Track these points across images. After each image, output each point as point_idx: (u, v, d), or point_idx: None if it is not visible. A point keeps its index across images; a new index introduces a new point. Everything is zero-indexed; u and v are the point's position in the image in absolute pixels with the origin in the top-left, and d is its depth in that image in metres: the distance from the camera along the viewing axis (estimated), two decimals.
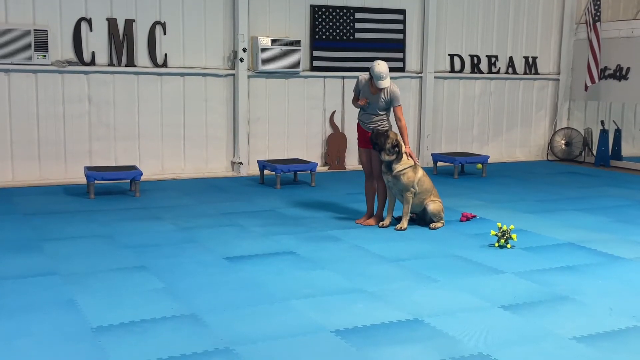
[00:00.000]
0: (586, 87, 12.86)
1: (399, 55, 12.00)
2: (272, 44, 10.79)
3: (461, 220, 7.91)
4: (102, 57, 10.01)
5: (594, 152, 13.08)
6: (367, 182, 7.83)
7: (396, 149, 7.33)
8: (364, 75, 7.52)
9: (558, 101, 13.70)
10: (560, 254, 6.58)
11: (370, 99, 7.47)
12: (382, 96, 7.41)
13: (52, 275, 5.65)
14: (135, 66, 10.19)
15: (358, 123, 7.71)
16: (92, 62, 9.92)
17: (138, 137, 10.38)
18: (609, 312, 5.01)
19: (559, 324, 4.76)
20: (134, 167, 9.39)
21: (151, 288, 5.39)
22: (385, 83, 7.25)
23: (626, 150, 13.31)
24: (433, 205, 7.56)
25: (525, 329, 4.67)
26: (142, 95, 10.34)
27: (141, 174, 9.17)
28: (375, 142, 7.38)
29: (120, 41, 10.05)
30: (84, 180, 9.51)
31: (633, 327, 4.72)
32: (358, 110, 7.76)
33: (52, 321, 4.66)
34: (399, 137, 7.41)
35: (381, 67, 7.22)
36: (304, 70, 11.29)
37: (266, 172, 10.46)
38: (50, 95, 9.76)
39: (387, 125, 7.51)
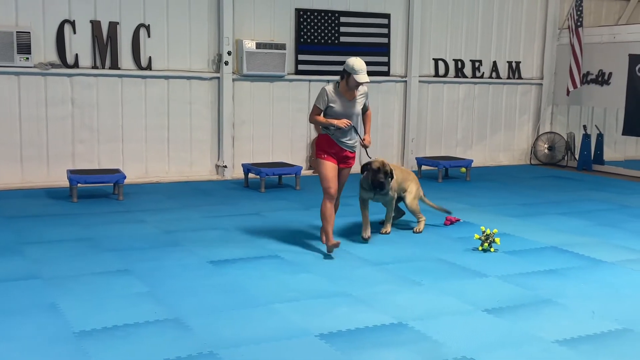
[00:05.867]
0: (568, 92, 12.97)
1: (384, 59, 12.04)
2: (257, 47, 10.79)
3: (445, 224, 7.94)
4: (85, 60, 9.95)
5: (577, 157, 13.19)
6: (329, 203, 6.57)
7: (389, 178, 7.04)
8: (330, 86, 6.53)
9: (541, 105, 13.80)
10: (543, 257, 6.63)
11: (347, 107, 6.51)
12: (360, 97, 6.56)
13: (34, 279, 5.60)
14: (119, 69, 10.14)
15: (323, 136, 6.61)
16: (76, 65, 9.86)
17: (122, 140, 10.32)
18: (592, 315, 5.05)
19: (542, 327, 4.79)
20: (117, 171, 9.33)
21: (134, 292, 5.36)
22: (366, 76, 6.34)
23: (608, 154, 13.45)
24: (410, 197, 7.50)
25: (508, 332, 4.70)
26: (126, 98, 10.29)
27: (124, 177, 9.12)
28: (379, 183, 6.89)
29: (104, 44, 9.99)
30: (66, 184, 9.45)
31: (615, 330, 4.76)
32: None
33: (34, 325, 4.62)
34: (388, 166, 7.02)
35: (357, 60, 6.33)
36: (288, 74, 11.29)
37: (251, 175, 10.44)
38: (33, 98, 9.69)
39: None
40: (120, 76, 10.20)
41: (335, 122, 6.43)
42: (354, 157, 6.75)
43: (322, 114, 6.54)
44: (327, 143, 6.58)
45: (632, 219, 8.45)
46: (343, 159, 6.65)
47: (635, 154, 14.56)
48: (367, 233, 7.09)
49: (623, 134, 12.41)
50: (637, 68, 11.82)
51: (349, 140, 6.59)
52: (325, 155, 6.58)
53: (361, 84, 6.40)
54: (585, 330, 4.74)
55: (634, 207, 9.24)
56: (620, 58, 12.18)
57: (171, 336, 4.50)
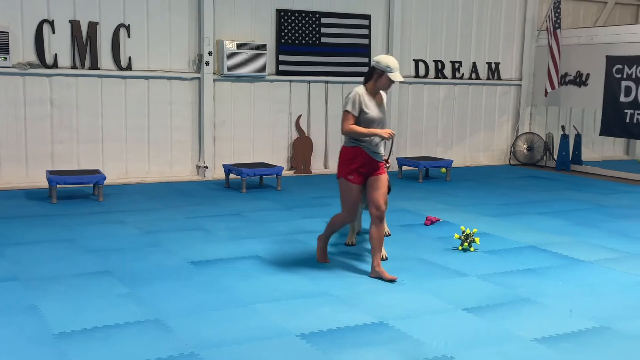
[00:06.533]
0: (546, 93, 13.10)
1: (364, 60, 12.08)
2: (237, 48, 10.77)
3: (425, 224, 7.98)
4: (64, 60, 9.88)
5: (555, 157, 13.32)
6: (346, 220, 6.18)
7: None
8: (360, 89, 5.74)
9: (520, 106, 13.92)
10: (522, 256, 6.69)
11: (381, 112, 5.80)
12: (385, 101, 5.92)
13: (13, 281, 5.56)
14: (98, 69, 10.08)
15: (349, 149, 5.82)
16: (55, 65, 9.79)
17: (101, 140, 10.26)
18: (569, 313, 5.11)
19: (521, 325, 4.84)
20: (97, 171, 9.27)
21: (115, 293, 5.33)
22: (400, 75, 5.73)
23: (586, 154, 13.60)
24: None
25: (487, 331, 4.74)
26: (106, 98, 10.23)
27: (104, 178, 9.07)
28: None
29: (84, 44, 9.93)
30: (46, 184, 9.38)
31: (592, 328, 4.82)
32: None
33: (13, 327, 4.58)
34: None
35: (390, 57, 5.70)
36: (269, 74, 11.29)
37: (232, 176, 10.43)
38: (12, 98, 9.60)
39: None
40: (100, 76, 10.14)
41: (378, 131, 5.63)
42: (383, 165, 5.97)
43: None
44: (355, 158, 5.78)
45: (610, 219, 8.55)
46: (373, 170, 5.85)
47: (613, 154, 14.76)
48: (352, 239, 7.01)
49: (600, 135, 12.54)
50: (614, 69, 11.97)
51: (379, 147, 5.83)
52: (352, 177, 5.81)
53: (394, 82, 5.73)
54: (563, 329, 4.79)
55: (611, 207, 9.35)
56: (597, 59, 12.32)
57: (152, 337, 4.48)
